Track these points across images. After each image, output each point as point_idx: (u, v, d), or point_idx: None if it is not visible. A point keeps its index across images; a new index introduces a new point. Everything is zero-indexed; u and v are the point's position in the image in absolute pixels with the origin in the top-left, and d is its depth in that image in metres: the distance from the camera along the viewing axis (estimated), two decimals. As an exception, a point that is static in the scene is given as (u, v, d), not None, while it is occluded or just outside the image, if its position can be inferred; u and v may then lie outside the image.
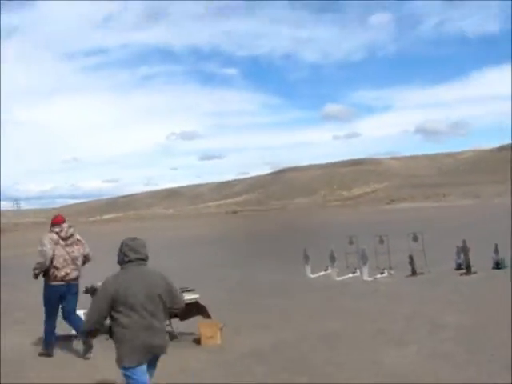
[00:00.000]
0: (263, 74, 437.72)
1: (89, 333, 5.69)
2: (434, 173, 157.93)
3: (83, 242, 8.95)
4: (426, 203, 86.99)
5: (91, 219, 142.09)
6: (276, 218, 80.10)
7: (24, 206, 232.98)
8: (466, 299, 11.83)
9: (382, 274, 16.71)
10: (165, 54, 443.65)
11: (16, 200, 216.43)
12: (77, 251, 8.78)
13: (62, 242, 8.66)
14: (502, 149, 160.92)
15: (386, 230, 23.65)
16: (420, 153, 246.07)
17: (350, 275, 17.24)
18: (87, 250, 8.98)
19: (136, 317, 5.29)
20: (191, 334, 9.29)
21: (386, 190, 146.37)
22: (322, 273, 18.25)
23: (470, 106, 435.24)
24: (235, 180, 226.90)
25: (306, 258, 18.32)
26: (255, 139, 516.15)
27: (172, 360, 7.56)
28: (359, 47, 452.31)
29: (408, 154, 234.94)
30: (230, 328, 9.39)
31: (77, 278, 8.89)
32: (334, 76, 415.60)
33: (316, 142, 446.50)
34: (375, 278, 16.32)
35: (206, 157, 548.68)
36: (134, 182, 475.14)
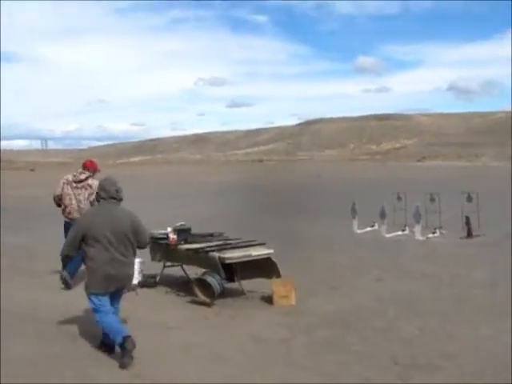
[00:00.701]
0: (295, 23, 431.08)
1: (63, 258, 6.37)
2: (464, 131, 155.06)
3: (94, 188, 9.14)
4: (459, 162, 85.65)
5: (119, 161, 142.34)
6: (306, 168, 79.34)
7: (51, 145, 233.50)
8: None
9: (433, 233, 16.20)
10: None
11: (44, 139, 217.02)
12: (82, 195, 9.72)
13: (74, 183, 9.78)
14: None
15: (432, 188, 23.10)
16: (451, 111, 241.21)
17: (399, 232, 16.78)
18: (92, 198, 9.12)
19: (101, 249, 5.95)
20: (258, 292, 8.90)
21: (415, 146, 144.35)
22: (368, 228, 17.81)
23: (503, 65, 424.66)
24: (262, 129, 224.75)
25: (354, 212, 17.82)
26: (283, 89, 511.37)
27: (242, 323, 7.16)
28: (394, 1, 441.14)
29: (438, 111, 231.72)
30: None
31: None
32: (367, 28, 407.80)
33: (345, 95, 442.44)
34: (427, 238, 15.83)
35: (234, 104, 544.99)
36: (161, 126, 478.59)
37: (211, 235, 9.69)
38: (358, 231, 17.44)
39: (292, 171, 70.54)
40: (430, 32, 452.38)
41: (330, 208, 23.83)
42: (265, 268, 8.58)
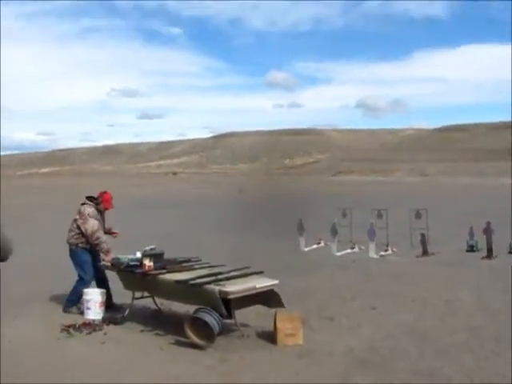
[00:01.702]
0: (209, 36, 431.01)
1: None
2: (375, 148, 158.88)
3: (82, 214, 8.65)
4: (374, 177, 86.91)
5: (24, 172, 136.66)
6: (223, 181, 78.42)
7: None
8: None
9: (386, 251, 15.51)
10: (108, 7, 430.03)
11: None
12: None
13: None
14: (442, 129, 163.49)
15: (371, 203, 22.58)
16: (359, 127, 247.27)
17: (349, 250, 16.00)
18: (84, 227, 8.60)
19: None
20: (252, 326, 7.57)
21: (327, 161, 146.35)
22: (314, 246, 16.97)
23: (409, 85, 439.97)
24: (175, 141, 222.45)
25: (301, 229, 16.90)
26: (196, 102, 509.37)
27: (252, 372, 5.95)
28: (307, 18, 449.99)
29: (348, 127, 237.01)
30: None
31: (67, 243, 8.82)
32: (279, 44, 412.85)
33: (258, 109, 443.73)
34: (381, 256, 15.11)
35: (145, 116, 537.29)
36: (70, 137, 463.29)
37: (188, 261, 8.34)
38: (306, 249, 16.54)
39: (211, 184, 69.36)
40: (339, 50, 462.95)
41: (258, 224, 22.84)
42: (264, 296, 7.32)
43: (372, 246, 15.20)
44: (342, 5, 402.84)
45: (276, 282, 7.30)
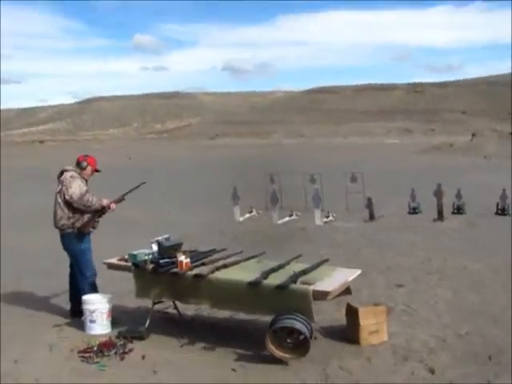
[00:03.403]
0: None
1: None
2: (246, 110, 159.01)
3: (63, 181, 6.88)
4: (253, 140, 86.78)
5: None
6: (98, 148, 75.29)
7: None
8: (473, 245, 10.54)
9: (327, 217, 14.92)
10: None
11: None
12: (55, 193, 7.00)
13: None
14: (311, 91, 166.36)
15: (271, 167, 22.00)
16: (230, 90, 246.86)
17: (288, 218, 15.30)
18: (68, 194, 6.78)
19: None
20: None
21: (200, 124, 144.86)
22: (247, 215, 16.11)
23: (274, 48, 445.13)
24: (37, 107, 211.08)
25: (236, 198, 15.93)
26: (56, 66, 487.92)
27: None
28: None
29: (217, 90, 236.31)
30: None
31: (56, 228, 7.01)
32: (143, 6, 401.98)
33: (123, 73, 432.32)
34: (325, 223, 14.53)
35: (2, 81, 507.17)
36: None
37: (213, 252, 6.79)
38: (240, 219, 15.65)
39: (90, 152, 66.08)
40: (204, 13, 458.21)
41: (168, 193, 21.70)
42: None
43: (318, 213, 14.56)
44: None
45: (359, 271, 6.14)
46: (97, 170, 7.16)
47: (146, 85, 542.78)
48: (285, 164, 32.88)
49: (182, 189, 23.71)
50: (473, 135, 47.23)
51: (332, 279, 5.64)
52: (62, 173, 6.91)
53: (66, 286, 7.18)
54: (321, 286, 5.40)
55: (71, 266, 7.06)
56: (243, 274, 5.86)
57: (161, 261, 6.10)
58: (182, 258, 6.02)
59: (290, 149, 58.55)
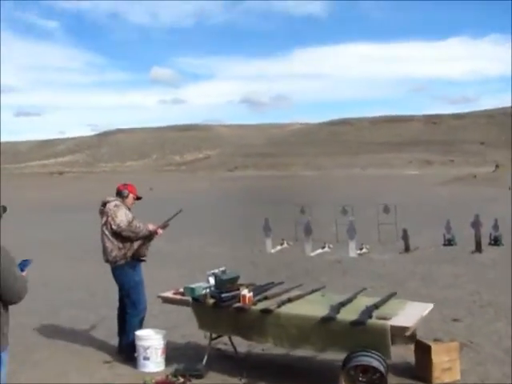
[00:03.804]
0: (87, 30, 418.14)
1: None
2: (264, 142, 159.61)
3: (108, 212, 6.68)
4: (272, 172, 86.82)
5: None
6: (116, 179, 75.50)
7: None
8: None
9: (361, 249, 14.71)
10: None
11: None
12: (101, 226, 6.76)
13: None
14: (328, 124, 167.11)
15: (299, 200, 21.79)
16: (246, 122, 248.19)
17: (320, 250, 15.09)
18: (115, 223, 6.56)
19: None
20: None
21: (218, 156, 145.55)
22: (278, 247, 15.94)
23: (291, 81, 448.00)
24: (57, 139, 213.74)
25: (268, 230, 15.78)
26: (75, 98, 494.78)
27: None
28: (188, 13, 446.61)
29: (235, 122, 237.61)
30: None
31: (107, 261, 6.76)
32: (162, 40, 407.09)
33: (142, 106, 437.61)
34: (359, 254, 14.32)
35: (23, 113, 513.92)
36: None
37: (271, 285, 6.51)
38: (272, 251, 15.48)
39: (109, 183, 66.37)
40: (221, 46, 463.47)
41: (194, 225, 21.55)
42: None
43: (352, 244, 14.35)
44: (224, 1, 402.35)
45: (431, 305, 5.86)
46: (138, 198, 6.99)
47: (165, 118, 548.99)
48: (308, 195, 32.75)
49: (210, 221, 23.58)
50: (496, 166, 46.86)
51: (407, 314, 5.38)
52: (104, 204, 6.75)
53: (103, 318, 7.01)
54: (398, 321, 5.13)
55: (120, 299, 6.81)
56: (310, 308, 5.62)
57: (222, 295, 5.86)
58: (245, 291, 5.81)
59: (310, 180, 58.44)
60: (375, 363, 4.92)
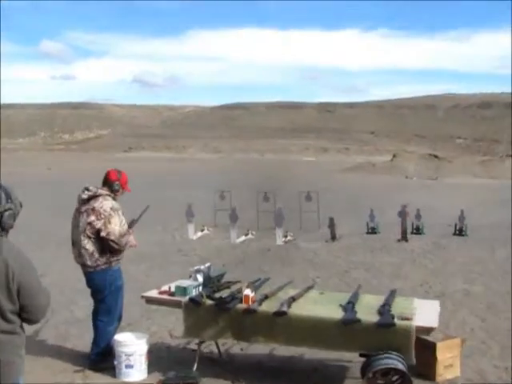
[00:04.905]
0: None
1: None
2: (157, 124, 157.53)
3: (102, 215, 5.69)
4: (168, 154, 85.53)
5: None
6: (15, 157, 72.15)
7: None
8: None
9: (285, 237, 14.61)
10: None
11: None
12: (83, 223, 5.74)
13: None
14: (224, 107, 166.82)
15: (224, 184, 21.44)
16: (139, 102, 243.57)
17: (244, 237, 14.89)
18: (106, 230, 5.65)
19: None
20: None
21: (110, 136, 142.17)
22: (199, 233, 15.58)
23: (185, 62, 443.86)
24: None
25: (190, 215, 15.38)
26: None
27: None
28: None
29: (127, 102, 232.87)
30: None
31: (84, 265, 5.84)
32: (52, 12, 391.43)
33: (31, 80, 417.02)
34: (285, 242, 14.23)
35: None
36: None
37: (259, 281, 6.01)
38: (194, 237, 15.13)
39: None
40: (115, 23, 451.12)
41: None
42: None
43: (279, 232, 14.23)
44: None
45: (437, 302, 5.69)
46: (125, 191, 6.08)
47: (54, 94, 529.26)
48: (217, 180, 32.38)
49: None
50: (394, 156, 48.50)
51: (424, 313, 5.18)
52: (92, 197, 5.78)
53: (70, 324, 6.36)
54: (421, 321, 4.93)
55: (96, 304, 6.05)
56: (319, 308, 5.33)
57: (224, 295, 5.41)
58: (247, 291, 5.33)
59: (213, 164, 57.67)
60: (400, 366, 4.72)
